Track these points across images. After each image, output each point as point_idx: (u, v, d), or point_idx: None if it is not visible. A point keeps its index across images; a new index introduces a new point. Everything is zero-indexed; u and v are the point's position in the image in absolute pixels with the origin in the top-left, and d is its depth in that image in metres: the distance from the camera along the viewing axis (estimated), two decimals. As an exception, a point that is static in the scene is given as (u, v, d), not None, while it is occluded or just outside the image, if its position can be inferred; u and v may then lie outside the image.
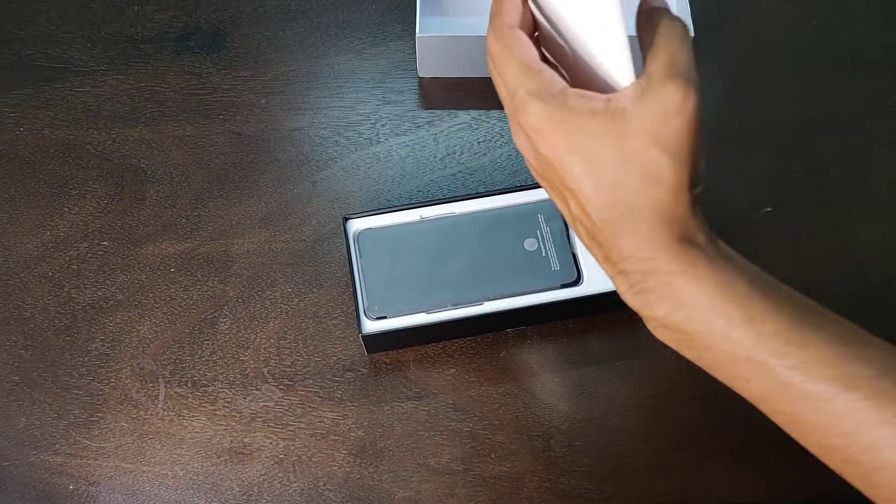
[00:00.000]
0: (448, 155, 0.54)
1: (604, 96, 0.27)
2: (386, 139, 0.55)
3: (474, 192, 0.51)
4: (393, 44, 0.58)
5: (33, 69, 0.57)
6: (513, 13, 0.29)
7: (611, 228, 0.28)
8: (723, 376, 0.30)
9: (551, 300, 0.45)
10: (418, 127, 0.55)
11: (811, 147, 0.55)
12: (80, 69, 0.57)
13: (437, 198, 0.52)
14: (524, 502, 0.44)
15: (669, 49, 0.27)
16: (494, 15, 0.29)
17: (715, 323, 0.28)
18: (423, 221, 0.48)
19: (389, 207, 0.48)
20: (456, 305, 0.45)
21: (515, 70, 0.28)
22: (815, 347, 0.27)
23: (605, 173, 0.27)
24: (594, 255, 0.32)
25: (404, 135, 0.55)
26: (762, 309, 0.28)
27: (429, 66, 0.56)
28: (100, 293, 0.49)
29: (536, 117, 0.27)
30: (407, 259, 0.47)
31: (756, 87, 0.58)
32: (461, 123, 0.55)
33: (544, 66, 0.28)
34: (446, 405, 0.46)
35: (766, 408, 0.30)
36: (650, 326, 0.31)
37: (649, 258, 0.28)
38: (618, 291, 0.31)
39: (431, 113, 0.56)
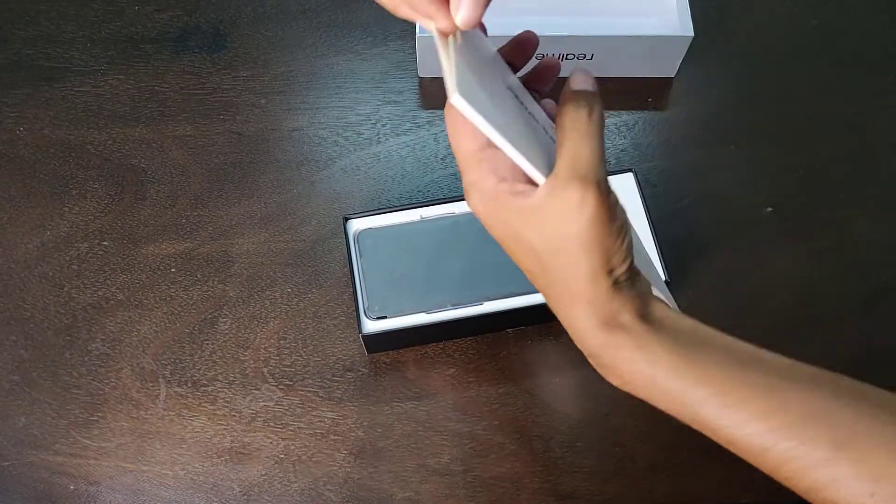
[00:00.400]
0: (448, 155, 0.54)
1: (525, 194, 0.30)
2: (386, 139, 0.55)
3: (474, 191, 0.51)
4: (393, 44, 0.58)
5: (33, 69, 0.57)
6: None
7: (553, 304, 0.32)
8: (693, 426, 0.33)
9: (551, 300, 0.45)
10: (418, 127, 0.55)
11: (812, 146, 0.55)
12: (81, 69, 0.57)
13: (437, 198, 0.52)
14: (524, 503, 0.44)
15: (572, 147, 0.29)
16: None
17: (655, 394, 0.31)
18: (423, 221, 0.48)
19: (389, 207, 0.48)
20: (456, 305, 0.45)
21: (459, 158, 0.31)
22: (744, 406, 0.30)
23: (536, 259, 0.31)
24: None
25: (404, 135, 0.55)
26: (693, 378, 0.30)
27: (429, 65, 0.56)
28: (100, 293, 0.49)
29: (474, 205, 0.31)
30: (407, 259, 0.46)
31: (757, 87, 0.58)
32: (461, 123, 0.55)
33: (484, 156, 0.30)
34: (446, 405, 0.46)
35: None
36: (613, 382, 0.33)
37: (582, 339, 0.31)
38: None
39: (432, 113, 0.56)
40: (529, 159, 0.30)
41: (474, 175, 0.31)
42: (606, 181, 0.30)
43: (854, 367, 0.48)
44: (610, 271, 0.30)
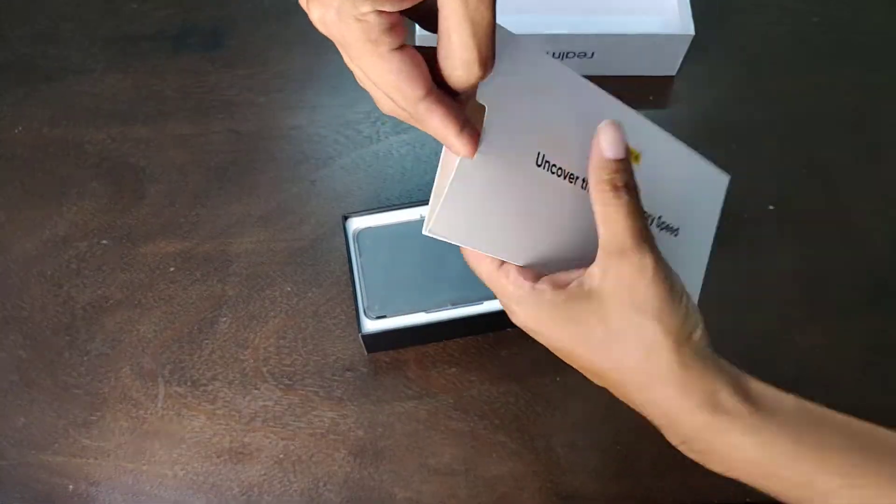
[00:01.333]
0: (448, 153, 0.54)
1: (574, 281, 0.28)
2: (386, 137, 0.55)
3: (474, 190, 0.51)
4: (392, 41, 0.58)
5: (31, 68, 0.57)
6: None
7: (633, 402, 0.30)
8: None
9: (552, 299, 0.45)
10: (418, 125, 0.55)
11: (814, 144, 0.55)
12: (79, 68, 0.57)
13: (437, 196, 0.52)
14: (526, 502, 0.44)
15: (613, 222, 0.28)
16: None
17: (771, 482, 0.29)
18: (423, 220, 0.47)
19: (389, 206, 0.48)
20: (456, 305, 0.45)
21: (485, 279, 0.30)
22: (878, 499, 0.27)
23: (604, 351, 0.28)
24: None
25: (404, 133, 0.55)
26: (817, 465, 0.28)
27: (429, 63, 0.56)
28: (99, 292, 0.49)
29: (522, 320, 0.29)
30: (407, 258, 0.46)
31: (758, 85, 0.57)
32: (461, 121, 0.55)
33: (510, 267, 0.29)
34: (447, 405, 0.46)
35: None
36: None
37: (674, 425, 0.29)
38: None
39: (431, 111, 0.55)
40: (542, 253, 0.29)
41: (508, 289, 0.29)
42: (654, 241, 0.28)
43: (857, 364, 0.48)
44: (688, 338, 0.28)
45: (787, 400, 0.30)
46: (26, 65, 0.57)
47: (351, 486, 0.44)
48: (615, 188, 0.28)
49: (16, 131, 0.55)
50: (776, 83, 0.57)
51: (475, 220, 0.28)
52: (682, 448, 0.30)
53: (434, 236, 0.28)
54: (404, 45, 0.25)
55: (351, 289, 0.47)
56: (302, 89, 0.56)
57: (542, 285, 0.29)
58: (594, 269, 0.28)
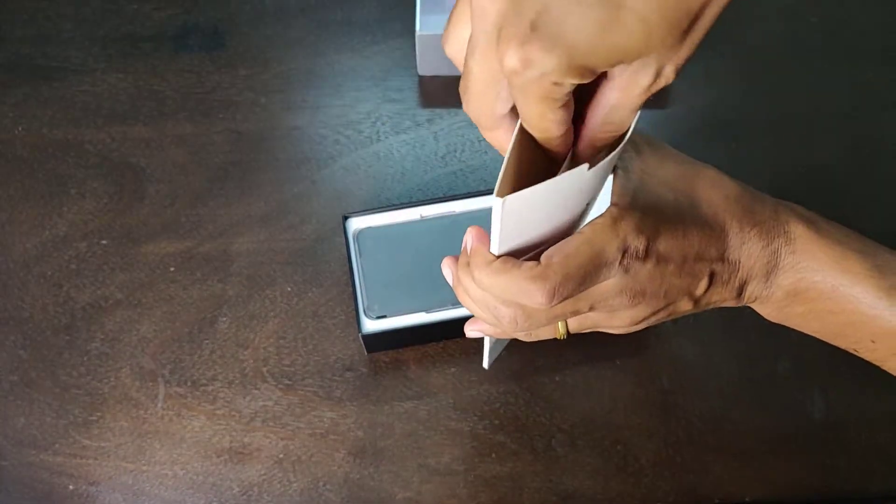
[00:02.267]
0: (448, 153, 0.54)
1: (600, 218, 0.30)
2: (386, 137, 0.55)
3: (475, 190, 0.51)
4: (393, 42, 0.58)
5: (31, 68, 0.57)
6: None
7: (724, 259, 0.31)
8: (847, 342, 0.33)
9: (552, 299, 0.45)
10: (418, 125, 0.55)
11: (813, 142, 0.55)
12: (79, 68, 0.57)
13: (437, 196, 0.52)
14: (526, 502, 0.44)
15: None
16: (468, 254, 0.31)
17: (839, 280, 0.30)
18: (423, 220, 0.48)
19: (389, 206, 0.48)
20: (456, 305, 0.45)
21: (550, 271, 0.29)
22: None
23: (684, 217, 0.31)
24: (721, 304, 0.34)
25: (404, 133, 0.55)
26: (882, 260, 0.30)
27: (429, 64, 0.56)
28: (99, 292, 0.49)
29: (636, 235, 0.30)
30: (407, 258, 0.46)
31: (757, 83, 0.57)
32: (461, 121, 0.55)
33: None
34: (447, 405, 0.46)
35: (891, 365, 0.32)
36: (770, 311, 0.34)
37: (765, 246, 0.31)
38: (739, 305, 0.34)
39: (432, 111, 0.56)
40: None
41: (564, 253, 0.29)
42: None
43: (857, 361, 0.48)
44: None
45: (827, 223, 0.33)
46: (27, 65, 0.57)
47: (350, 485, 0.44)
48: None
49: (16, 131, 0.55)
50: (775, 82, 0.57)
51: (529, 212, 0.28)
52: (758, 286, 0.32)
53: (497, 208, 0.26)
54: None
55: (351, 289, 0.47)
56: (303, 89, 0.56)
57: (610, 208, 0.30)
58: (617, 192, 0.30)
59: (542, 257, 0.29)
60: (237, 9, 0.59)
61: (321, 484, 0.44)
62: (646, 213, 0.30)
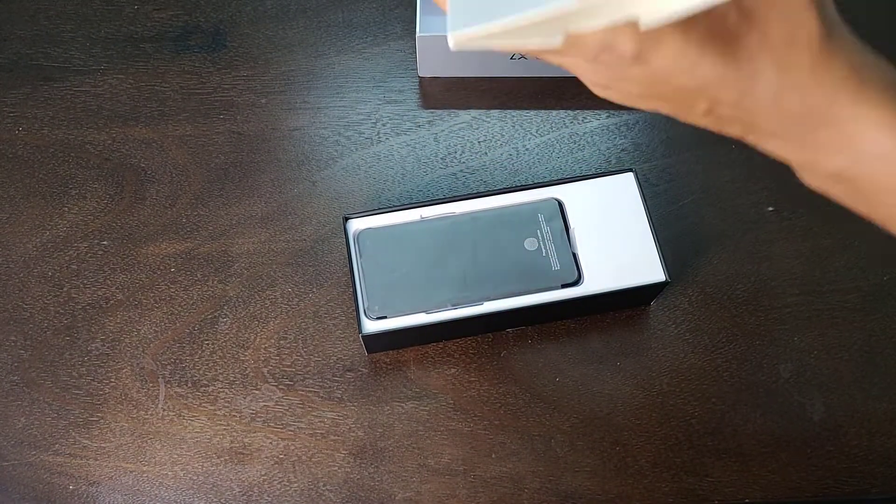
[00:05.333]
0: (448, 154, 0.54)
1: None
2: (386, 139, 0.55)
3: (475, 191, 0.51)
4: (393, 43, 0.58)
5: (32, 68, 0.57)
6: None
7: (755, 95, 0.27)
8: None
9: (551, 300, 0.45)
10: (419, 126, 0.55)
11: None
12: (80, 68, 0.57)
13: (437, 197, 0.52)
14: (525, 503, 0.44)
15: None
16: None
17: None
18: (423, 221, 0.48)
19: (390, 207, 0.48)
20: (456, 305, 0.45)
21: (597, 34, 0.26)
22: None
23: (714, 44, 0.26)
24: (743, 137, 0.30)
25: (405, 134, 0.55)
26: None
27: (429, 65, 0.56)
28: (100, 293, 0.49)
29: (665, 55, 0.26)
30: (407, 259, 0.46)
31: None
32: (461, 123, 0.55)
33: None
34: (447, 405, 0.46)
35: None
36: (814, 181, 0.30)
37: (816, 107, 0.26)
38: (777, 155, 0.30)
39: (432, 112, 0.56)
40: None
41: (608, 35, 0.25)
42: None
43: (857, 364, 0.48)
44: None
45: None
46: (28, 65, 0.57)
47: (351, 486, 0.44)
48: None
49: (17, 131, 0.55)
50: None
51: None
52: (795, 149, 0.28)
53: (462, 47, 0.25)
54: None
55: (351, 289, 0.47)
56: (303, 90, 0.56)
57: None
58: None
59: None
60: (238, 10, 0.59)
61: (321, 484, 0.44)
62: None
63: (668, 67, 0.27)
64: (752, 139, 0.30)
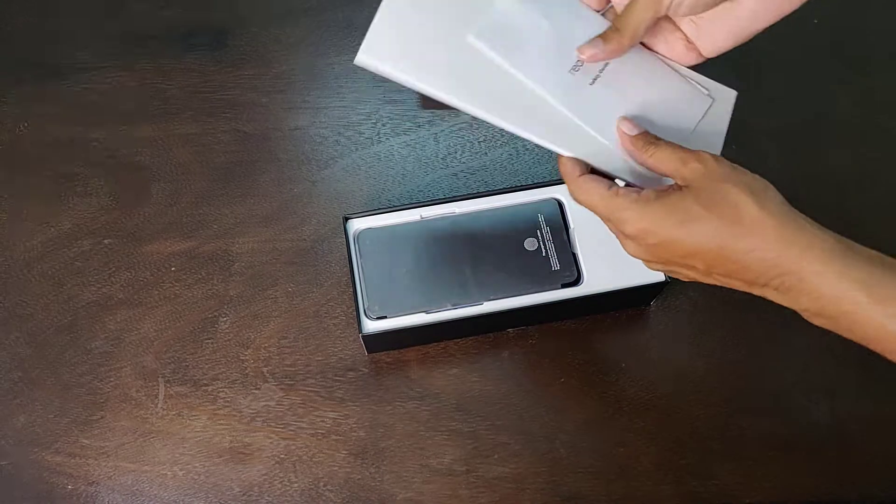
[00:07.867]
0: (449, 154, 0.54)
1: (666, 186, 0.36)
2: (386, 139, 0.55)
3: (475, 191, 0.51)
4: (396, 43, 0.58)
5: (37, 66, 0.57)
6: (575, 167, 0.37)
7: (734, 260, 0.35)
8: (875, 349, 0.36)
9: (551, 300, 0.45)
10: (419, 126, 0.55)
11: (815, 146, 0.55)
12: (85, 66, 0.57)
13: (437, 197, 0.52)
14: (527, 503, 0.44)
15: (667, 162, 0.36)
16: (566, 175, 0.37)
17: (847, 309, 0.34)
18: (423, 221, 0.47)
19: (390, 207, 0.48)
20: (456, 305, 0.45)
21: (601, 203, 0.35)
22: None
23: (703, 224, 0.34)
24: (738, 288, 0.37)
25: (405, 134, 0.55)
26: (887, 293, 0.33)
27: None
28: (102, 291, 0.49)
29: (634, 222, 0.35)
30: (407, 259, 0.46)
31: (758, 87, 0.57)
32: (462, 123, 0.55)
33: (614, 189, 0.36)
34: (448, 405, 0.46)
35: None
36: (805, 317, 0.36)
37: (775, 265, 0.34)
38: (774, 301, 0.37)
39: (432, 112, 0.56)
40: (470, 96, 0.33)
41: (618, 201, 0.34)
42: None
43: (860, 366, 0.48)
44: (763, 190, 0.35)
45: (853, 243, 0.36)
46: (32, 63, 0.57)
47: (352, 486, 0.44)
48: (650, 143, 0.36)
49: (21, 129, 0.55)
50: (777, 85, 0.57)
51: (408, 48, 0.30)
52: (778, 295, 0.35)
53: (363, 65, 0.29)
54: None
55: (351, 289, 0.47)
56: (305, 90, 0.56)
57: (647, 192, 0.35)
58: (680, 174, 0.35)
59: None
60: (242, 10, 0.59)
61: (322, 484, 0.44)
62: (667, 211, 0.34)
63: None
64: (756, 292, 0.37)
